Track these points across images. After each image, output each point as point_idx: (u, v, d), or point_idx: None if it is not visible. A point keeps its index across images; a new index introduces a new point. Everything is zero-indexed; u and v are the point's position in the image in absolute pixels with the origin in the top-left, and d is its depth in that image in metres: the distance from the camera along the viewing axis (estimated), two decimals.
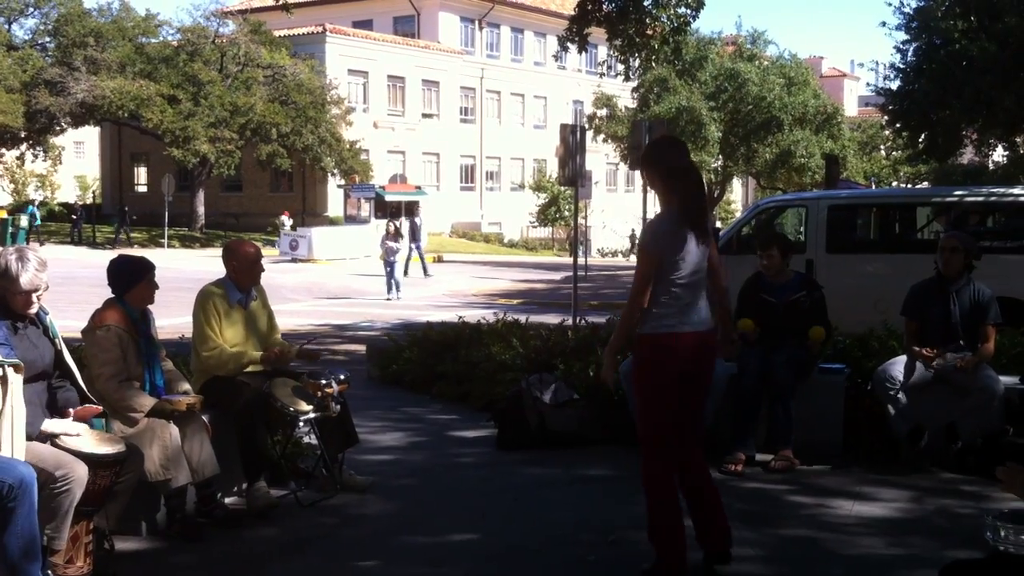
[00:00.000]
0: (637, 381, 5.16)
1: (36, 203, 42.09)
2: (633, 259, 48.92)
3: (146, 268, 5.92)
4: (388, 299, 23.00)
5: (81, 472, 4.74)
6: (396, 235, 24.68)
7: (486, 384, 9.41)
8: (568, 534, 5.86)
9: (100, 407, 5.22)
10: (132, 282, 5.86)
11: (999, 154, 41.24)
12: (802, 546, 5.63)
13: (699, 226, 5.07)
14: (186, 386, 6.13)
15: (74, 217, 43.34)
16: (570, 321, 12.34)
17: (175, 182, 41.99)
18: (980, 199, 13.15)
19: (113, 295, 5.87)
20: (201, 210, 45.30)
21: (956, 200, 12.89)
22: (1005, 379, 7.23)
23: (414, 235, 31.13)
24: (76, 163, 74.16)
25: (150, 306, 6.01)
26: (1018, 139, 30.54)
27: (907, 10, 25.09)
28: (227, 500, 6.39)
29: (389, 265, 23.67)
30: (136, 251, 33.53)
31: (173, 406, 5.72)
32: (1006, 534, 3.71)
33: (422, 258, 30.94)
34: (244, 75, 42.93)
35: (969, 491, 6.64)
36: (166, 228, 40.25)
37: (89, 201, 57.15)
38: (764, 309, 7.54)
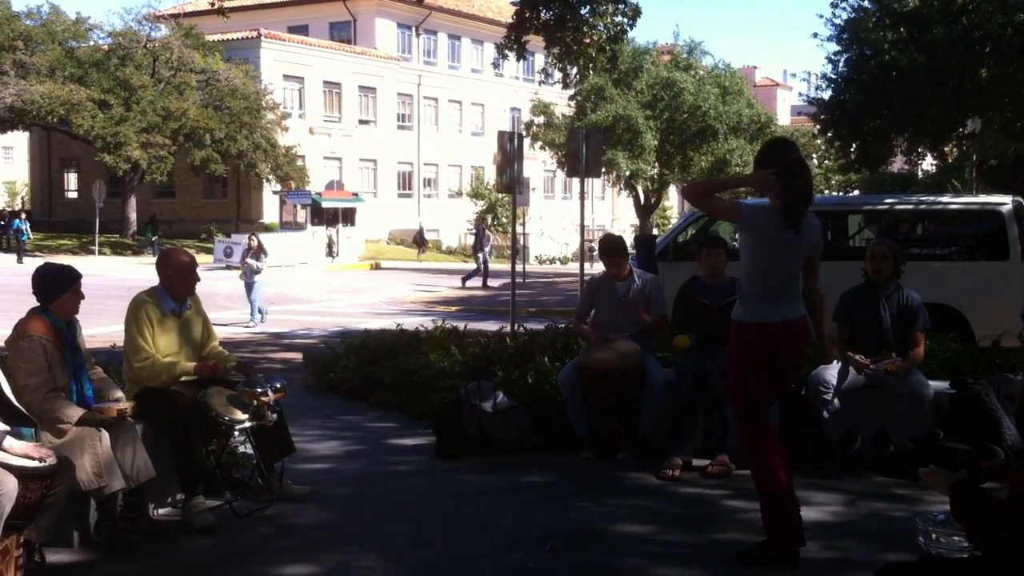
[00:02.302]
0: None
1: (23, 216, 39.62)
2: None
3: (72, 278, 5.82)
4: (249, 325, 18.75)
5: (11, 485, 4.64)
6: (259, 251, 19.52)
7: (424, 392, 9.36)
8: (507, 541, 5.86)
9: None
10: (58, 292, 5.75)
11: (928, 163, 42.06)
12: (738, 550, 5.68)
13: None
14: (119, 393, 6.02)
15: (2, 223, 42.44)
16: (508, 328, 12.35)
17: (106, 188, 41.32)
18: (910, 207, 13.39)
19: (38, 304, 5.76)
20: (133, 216, 44.64)
21: (886, 208, 13.11)
22: (935, 384, 7.38)
23: (480, 244, 30.43)
24: (4, 169, 72.79)
25: (78, 315, 5.91)
26: (946, 148, 31.17)
27: (838, 22, 25.55)
28: (161, 511, 6.30)
29: (249, 287, 19.21)
30: (70, 259, 32.96)
31: (103, 414, 5.62)
32: (937, 537, 3.79)
33: (486, 268, 30.04)
34: (177, 80, 42.40)
35: (901, 494, 6.75)
36: (97, 235, 39.59)
37: (18, 207, 56.02)
38: (699, 312, 7.61)
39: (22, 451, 4.87)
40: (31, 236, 39.07)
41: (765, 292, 5.37)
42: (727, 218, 5.64)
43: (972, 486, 3.56)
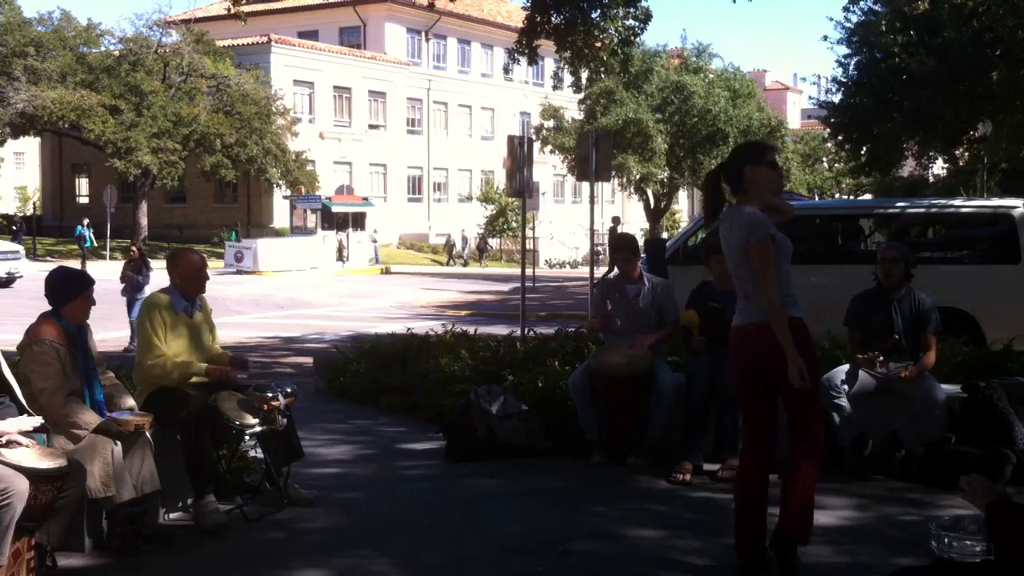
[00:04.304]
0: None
1: (86, 223, 38.63)
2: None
3: (85, 283, 5.84)
4: (130, 349, 13.33)
5: (22, 487, 4.65)
6: (141, 262, 15.60)
7: (435, 396, 9.36)
8: (517, 546, 5.85)
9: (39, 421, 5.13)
10: (70, 296, 5.78)
11: (939, 166, 41.94)
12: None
13: None
14: (130, 401, 6.03)
15: (14, 228, 42.57)
16: (519, 332, 12.34)
17: (117, 193, 41.41)
18: (921, 211, 13.34)
19: (50, 308, 5.78)
20: (144, 222, 44.74)
21: (897, 212, 13.07)
22: (946, 388, 7.35)
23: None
24: (16, 174, 73.02)
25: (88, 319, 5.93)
26: (957, 152, 31.08)
27: (848, 25, 25.49)
28: (172, 515, 6.31)
29: (129, 305, 15.20)
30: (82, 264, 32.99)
31: (121, 427, 5.62)
32: (950, 542, 3.77)
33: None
34: (188, 85, 42.49)
35: (912, 499, 6.73)
36: (108, 240, 39.68)
37: (29, 213, 56.22)
38: (711, 316, 7.59)
39: (16, 425, 4.89)
40: (95, 242, 38.74)
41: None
42: None
43: (1011, 504, 3.50)
